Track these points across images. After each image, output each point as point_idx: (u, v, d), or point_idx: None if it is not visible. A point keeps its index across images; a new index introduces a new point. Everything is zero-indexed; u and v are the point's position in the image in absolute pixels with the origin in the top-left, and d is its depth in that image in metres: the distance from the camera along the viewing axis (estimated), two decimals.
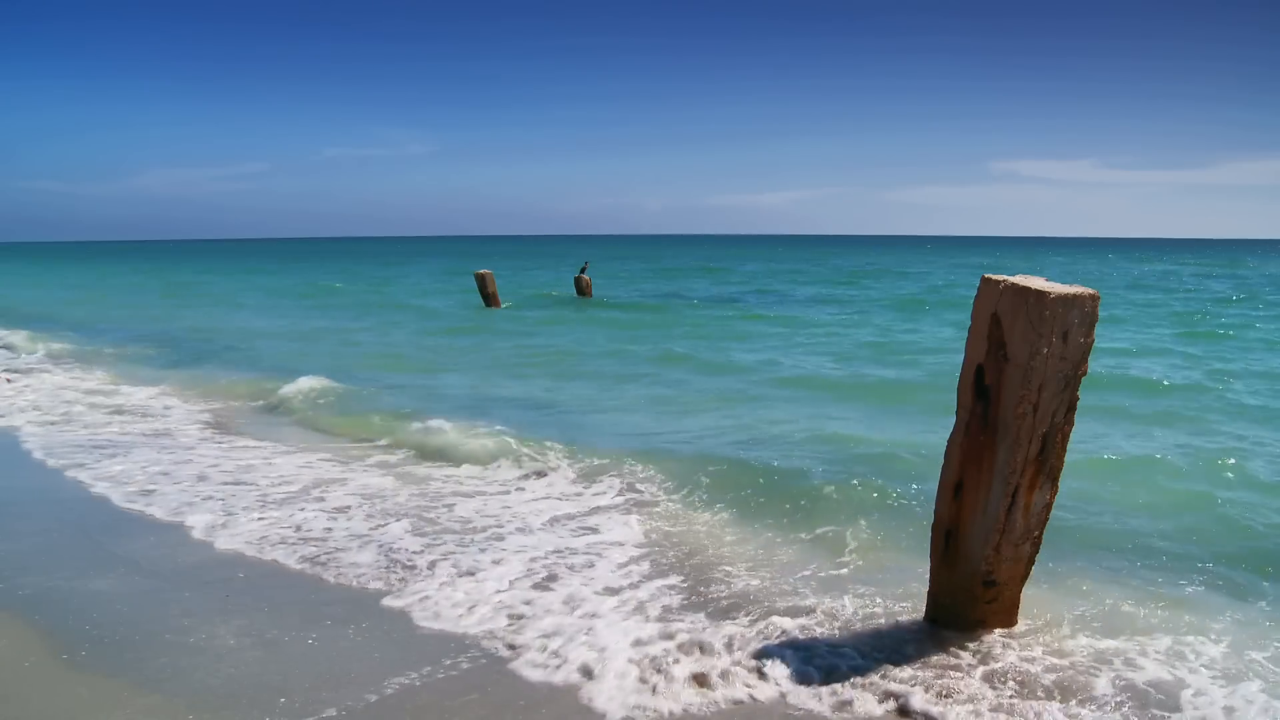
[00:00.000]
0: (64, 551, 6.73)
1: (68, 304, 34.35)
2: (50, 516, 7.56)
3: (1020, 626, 5.41)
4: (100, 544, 6.89)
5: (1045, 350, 4.69)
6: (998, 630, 5.34)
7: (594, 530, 7.39)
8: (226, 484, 8.60)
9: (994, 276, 4.92)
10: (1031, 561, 5.27)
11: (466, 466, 9.47)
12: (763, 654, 5.08)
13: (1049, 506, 5.10)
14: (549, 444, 9.98)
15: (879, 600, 5.87)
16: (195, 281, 50.79)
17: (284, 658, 5.02)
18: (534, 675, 4.89)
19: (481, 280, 30.00)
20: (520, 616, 5.61)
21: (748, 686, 4.77)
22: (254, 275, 57.97)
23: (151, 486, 8.47)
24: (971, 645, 5.19)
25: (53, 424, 11.40)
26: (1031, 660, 5.03)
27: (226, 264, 77.45)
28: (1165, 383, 14.24)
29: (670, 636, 5.29)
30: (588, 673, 4.88)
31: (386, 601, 5.87)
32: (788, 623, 5.50)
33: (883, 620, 5.58)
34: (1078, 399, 4.88)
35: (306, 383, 13.65)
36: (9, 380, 12.00)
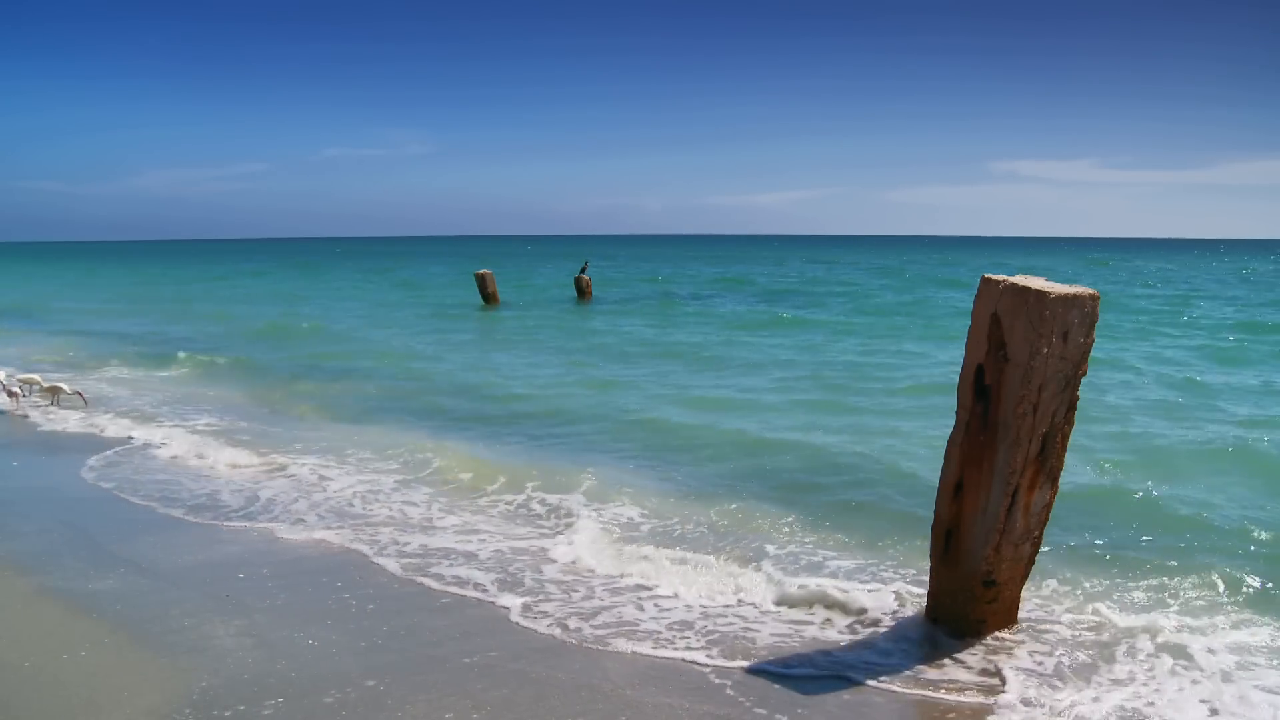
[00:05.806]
0: (66, 549, 6.74)
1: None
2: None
3: (1020, 625, 5.40)
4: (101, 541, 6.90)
5: (1045, 350, 4.67)
6: (997, 629, 5.33)
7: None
8: None
9: (994, 276, 4.90)
10: (1031, 561, 5.26)
11: None
12: (761, 651, 5.09)
13: (1049, 506, 5.09)
14: None
15: (879, 599, 5.86)
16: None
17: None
18: None
19: (481, 280, 31.04)
20: None
21: (746, 687, 4.78)
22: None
23: None
24: (970, 644, 5.18)
25: None
26: (1030, 659, 5.03)
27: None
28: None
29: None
30: None
31: None
32: (787, 620, 5.50)
33: (883, 618, 5.57)
34: (1078, 399, 4.87)
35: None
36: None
